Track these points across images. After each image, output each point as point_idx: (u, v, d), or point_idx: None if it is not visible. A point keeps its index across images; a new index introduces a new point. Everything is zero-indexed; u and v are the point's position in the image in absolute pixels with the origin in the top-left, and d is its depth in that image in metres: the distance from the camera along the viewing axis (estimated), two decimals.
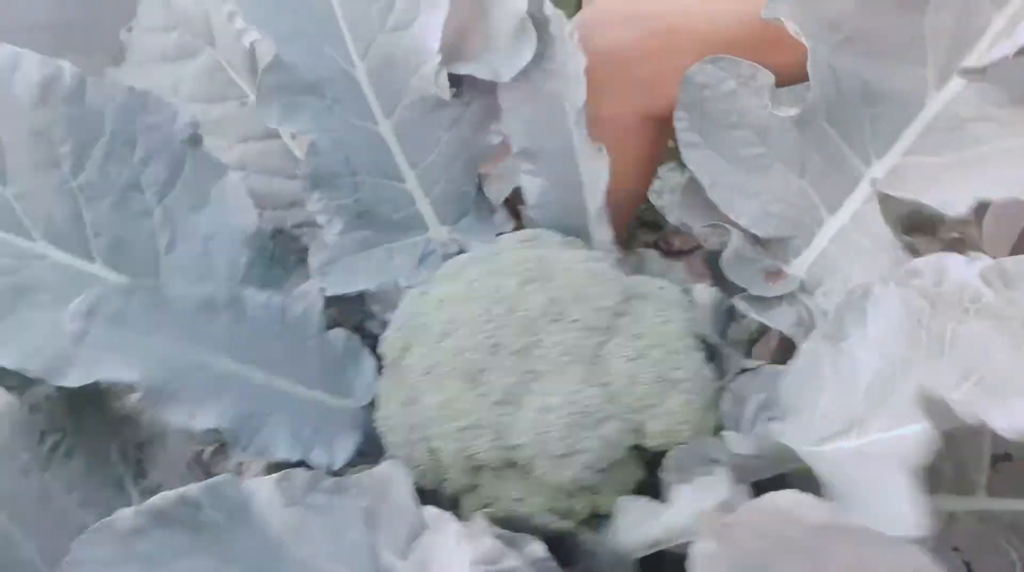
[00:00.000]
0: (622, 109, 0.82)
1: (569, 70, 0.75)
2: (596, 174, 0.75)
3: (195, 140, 0.74)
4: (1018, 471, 0.71)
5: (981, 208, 0.73)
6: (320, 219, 0.78)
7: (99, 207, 0.68)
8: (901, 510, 0.42)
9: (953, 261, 0.53)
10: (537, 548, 0.56)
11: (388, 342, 0.71)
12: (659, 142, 0.87)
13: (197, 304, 0.66)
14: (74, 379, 0.60)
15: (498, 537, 0.55)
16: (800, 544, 0.47)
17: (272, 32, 0.77)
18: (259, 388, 0.67)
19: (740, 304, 0.75)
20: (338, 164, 0.79)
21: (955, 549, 0.70)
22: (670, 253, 1.19)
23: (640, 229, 0.77)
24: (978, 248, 0.74)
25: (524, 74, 0.78)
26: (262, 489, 0.57)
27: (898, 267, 0.61)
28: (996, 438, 0.73)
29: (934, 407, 0.44)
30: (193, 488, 0.55)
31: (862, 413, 0.54)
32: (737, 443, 0.52)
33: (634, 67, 0.81)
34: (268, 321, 0.71)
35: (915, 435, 0.45)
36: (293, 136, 0.92)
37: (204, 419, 0.62)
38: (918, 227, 0.86)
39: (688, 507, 0.55)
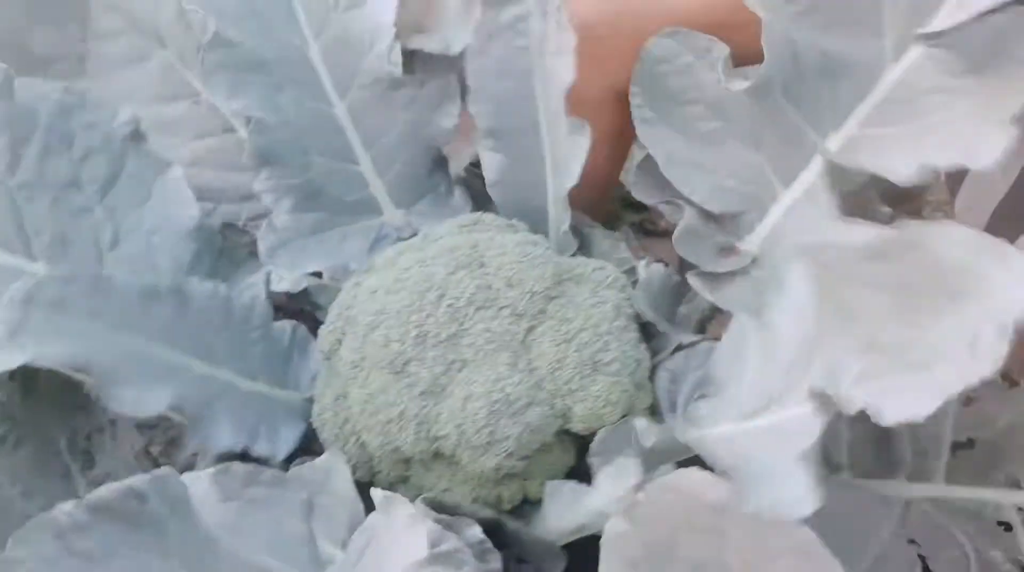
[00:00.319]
0: (592, 86, 0.80)
1: (550, 47, 0.72)
2: (573, 151, 0.72)
3: (137, 136, 0.74)
4: (977, 458, 0.68)
5: (955, 184, 0.71)
6: (267, 199, 0.77)
7: (38, 206, 0.69)
8: (793, 492, 0.41)
9: (858, 230, 0.51)
10: (476, 531, 0.56)
11: (323, 335, 0.70)
12: (631, 120, 0.85)
13: (140, 292, 0.65)
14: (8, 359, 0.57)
15: (437, 521, 0.55)
16: (703, 523, 0.46)
17: (218, 10, 0.77)
18: (201, 378, 0.67)
19: (693, 281, 0.73)
20: (286, 143, 0.78)
21: (911, 542, 0.69)
22: (655, 233, 1.17)
23: (625, 210, 0.76)
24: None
25: (495, 49, 0.76)
26: (199, 483, 0.57)
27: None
28: (958, 423, 0.71)
29: (821, 395, 0.42)
30: (139, 479, 0.53)
31: (781, 389, 0.52)
32: (644, 434, 0.51)
33: (605, 43, 0.79)
34: (212, 312, 0.70)
35: (802, 417, 0.43)
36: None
37: (152, 404, 0.61)
38: (901, 199, 0.84)
39: (608, 490, 0.54)
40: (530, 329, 0.63)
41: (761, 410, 0.53)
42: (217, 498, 0.57)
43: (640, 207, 1.31)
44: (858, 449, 0.74)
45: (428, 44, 0.80)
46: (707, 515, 0.45)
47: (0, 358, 0.57)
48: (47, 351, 0.57)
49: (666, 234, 1.27)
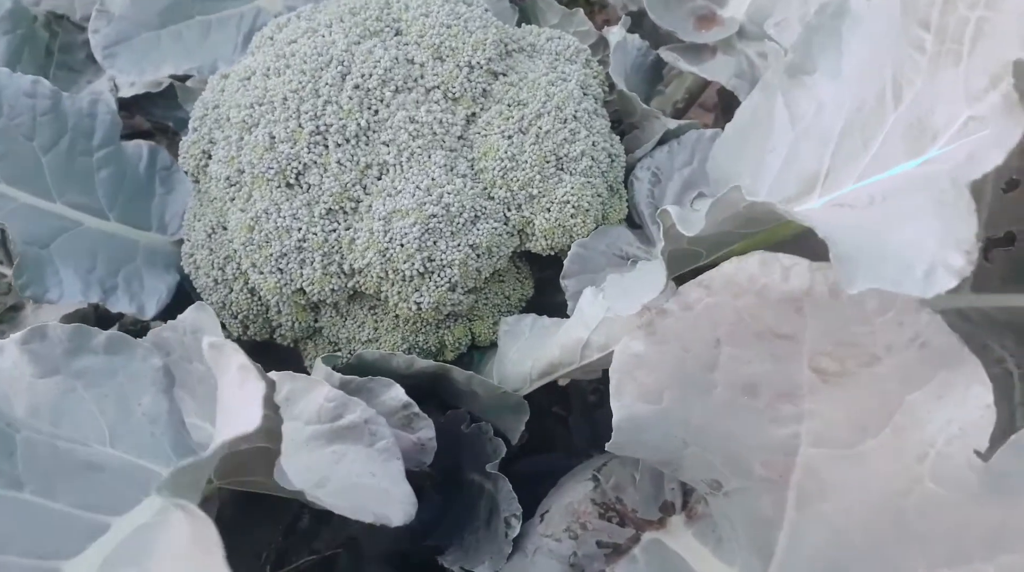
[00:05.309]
0: None
1: None
2: None
3: None
4: (1016, 258, 0.56)
5: None
6: None
7: None
8: (928, 254, 0.28)
9: None
10: (395, 394, 0.42)
11: (184, 148, 0.51)
12: None
13: None
14: None
15: (343, 386, 0.41)
16: (762, 326, 0.33)
17: None
18: (29, 212, 0.50)
19: (668, 55, 0.58)
20: None
21: None
22: None
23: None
24: None
25: None
26: (4, 356, 0.40)
27: None
28: (993, 214, 0.58)
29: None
30: None
31: (829, 166, 0.38)
32: (687, 220, 0.36)
33: None
34: (36, 117, 0.51)
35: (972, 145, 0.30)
36: None
37: None
38: None
39: (595, 313, 0.40)
40: (471, 117, 0.46)
41: (803, 194, 0.39)
42: (32, 373, 0.40)
43: None
44: None
45: None
46: (776, 312, 0.32)
47: None
48: None
49: None
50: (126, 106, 0.60)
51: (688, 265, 0.40)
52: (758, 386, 0.35)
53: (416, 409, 0.43)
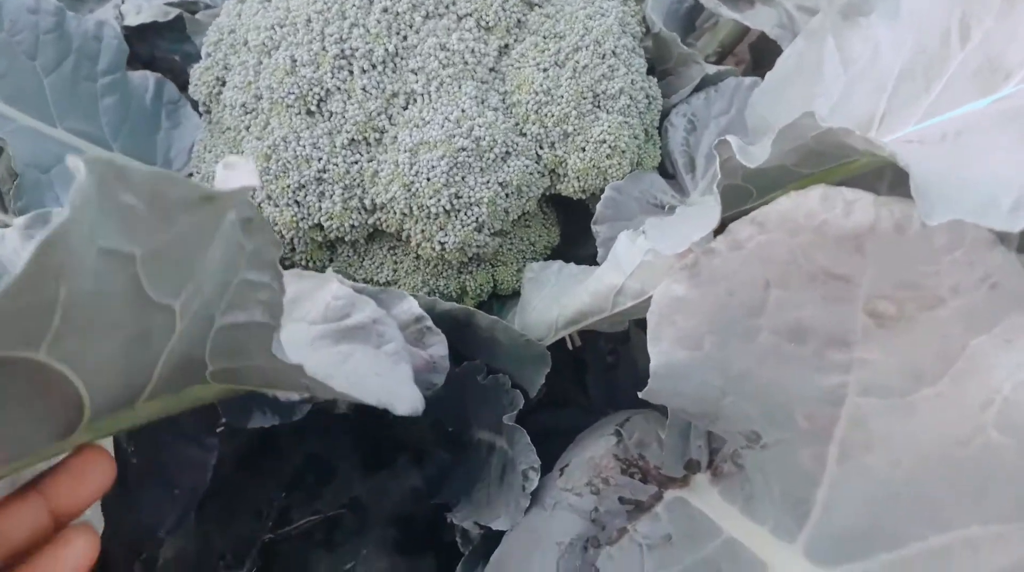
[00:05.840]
0: None
1: None
2: None
3: None
4: None
5: None
6: None
7: None
8: (1010, 186, 0.27)
9: None
10: (409, 306, 0.40)
11: (196, 75, 0.49)
12: None
13: None
14: None
15: (360, 290, 0.39)
16: (817, 267, 0.31)
17: None
18: (28, 134, 0.47)
19: (708, 1, 0.56)
20: None
21: None
22: None
23: None
24: None
25: None
26: (4, 244, 0.38)
27: None
28: None
29: None
30: None
31: (885, 108, 0.36)
32: (748, 151, 0.33)
33: None
34: (38, 36, 0.49)
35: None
36: None
37: None
38: None
39: (631, 257, 0.38)
40: (504, 48, 0.44)
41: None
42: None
43: None
44: None
45: None
46: (834, 251, 0.30)
47: None
48: None
49: None
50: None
51: (736, 206, 0.38)
52: (807, 332, 0.33)
53: (429, 322, 0.40)
